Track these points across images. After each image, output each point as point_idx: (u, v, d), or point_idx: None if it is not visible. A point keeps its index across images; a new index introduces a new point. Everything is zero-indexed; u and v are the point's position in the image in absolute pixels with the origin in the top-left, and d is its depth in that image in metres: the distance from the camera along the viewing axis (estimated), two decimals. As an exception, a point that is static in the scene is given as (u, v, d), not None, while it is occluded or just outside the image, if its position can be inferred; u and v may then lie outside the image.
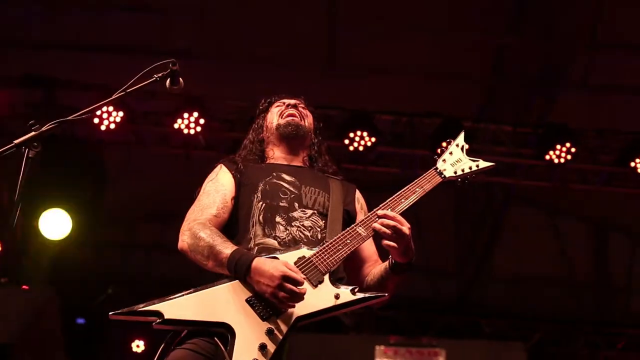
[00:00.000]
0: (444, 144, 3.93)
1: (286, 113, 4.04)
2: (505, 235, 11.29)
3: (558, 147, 9.29)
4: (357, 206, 3.94)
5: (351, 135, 9.15)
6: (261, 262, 3.38)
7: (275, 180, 3.79)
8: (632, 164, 9.40)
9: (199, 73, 8.12)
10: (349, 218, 3.82)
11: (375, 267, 3.75)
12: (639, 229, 11.25)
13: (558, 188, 10.02)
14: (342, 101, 9.37)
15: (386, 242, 3.49)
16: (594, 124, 9.76)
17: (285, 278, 3.31)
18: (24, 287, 10.19)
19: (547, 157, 9.35)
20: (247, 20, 9.35)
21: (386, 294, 3.43)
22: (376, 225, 3.50)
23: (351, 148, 9.16)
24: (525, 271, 11.61)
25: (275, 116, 4.06)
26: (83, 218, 10.26)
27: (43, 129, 3.19)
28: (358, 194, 4.02)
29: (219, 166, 3.92)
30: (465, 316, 12.17)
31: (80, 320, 11.54)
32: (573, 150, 9.29)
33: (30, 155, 3.14)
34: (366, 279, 3.74)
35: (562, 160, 9.30)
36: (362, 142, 9.19)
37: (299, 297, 3.32)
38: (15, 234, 9.42)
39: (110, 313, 3.35)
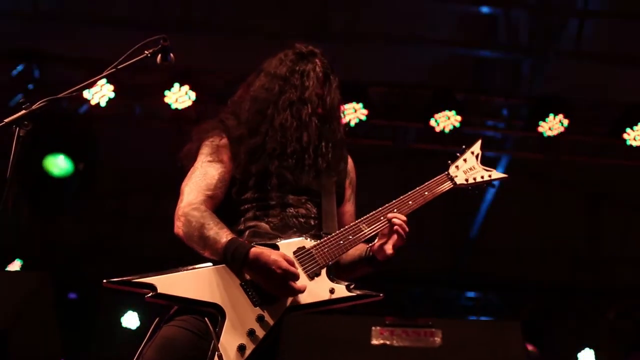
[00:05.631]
0: (458, 154, 3.87)
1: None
2: (497, 206, 11.29)
3: (550, 118, 9.26)
4: (347, 182, 3.88)
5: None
6: (258, 254, 3.31)
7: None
8: (625, 136, 9.38)
9: (189, 45, 8.03)
10: (339, 199, 3.79)
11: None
12: (630, 200, 11.27)
13: (550, 159, 10.00)
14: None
15: (386, 241, 3.50)
16: (586, 94, 9.72)
17: (286, 275, 3.29)
18: (15, 261, 10.17)
19: (540, 128, 9.32)
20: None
21: (381, 295, 3.39)
22: (395, 220, 3.49)
23: (343, 120, 9.07)
24: (517, 242, 11.64)
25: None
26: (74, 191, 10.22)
27: (33, 107, 3.16)
28: (350, 166, 3.93)
29: (218, 138, 3.71)
30: (457, 288, 12.21)
31: (72, 295, 11.53)
32: (565, 122, 9.25)
33: (21, 134, 3.11)
34: None
35: (555, 132, 9.27)
36: (355, 115, 9.14)
37: (296, 293, 3.31)
38: (7, 210, 9.35)
39: (104, 281, 3.33)
